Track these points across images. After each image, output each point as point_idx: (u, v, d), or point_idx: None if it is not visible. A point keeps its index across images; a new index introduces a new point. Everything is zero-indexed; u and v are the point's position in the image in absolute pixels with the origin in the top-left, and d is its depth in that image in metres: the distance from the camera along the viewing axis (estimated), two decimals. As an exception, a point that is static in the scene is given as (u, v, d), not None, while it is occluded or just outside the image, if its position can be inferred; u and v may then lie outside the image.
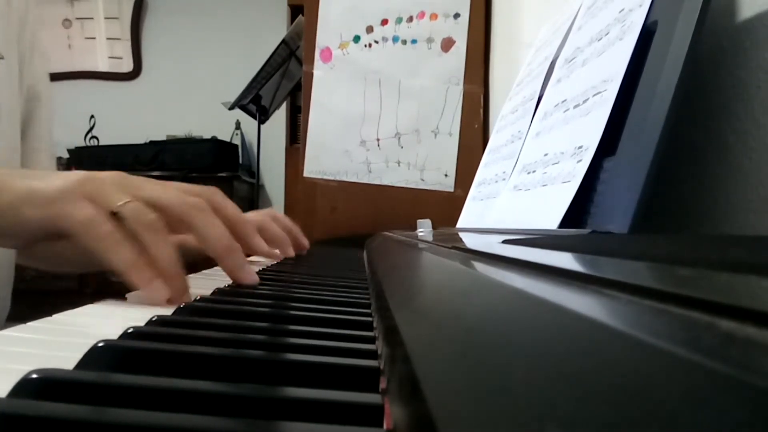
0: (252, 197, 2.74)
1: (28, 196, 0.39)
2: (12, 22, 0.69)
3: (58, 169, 0.81)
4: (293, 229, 0.79)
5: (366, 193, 1.36)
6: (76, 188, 0.38)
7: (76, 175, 0.39)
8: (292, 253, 0.76)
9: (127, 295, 0.38)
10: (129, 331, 0.25)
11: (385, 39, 1.38)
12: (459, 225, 0.91)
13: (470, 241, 0.42)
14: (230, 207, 0.47)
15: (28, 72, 0.72)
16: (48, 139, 0.76)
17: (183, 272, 0.38)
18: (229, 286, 0.45)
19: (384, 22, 1.38)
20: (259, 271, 0.60)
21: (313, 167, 1.38)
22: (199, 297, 0.37)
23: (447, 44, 1.36)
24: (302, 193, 1.39)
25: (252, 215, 0.74)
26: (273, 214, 0.77)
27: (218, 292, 0.41)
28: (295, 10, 1.90)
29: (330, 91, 1.38)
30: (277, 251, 0.75)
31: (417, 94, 1.37)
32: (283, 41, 1.95)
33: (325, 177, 1.38)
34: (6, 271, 0.69)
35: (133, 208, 0.37)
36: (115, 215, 0.37)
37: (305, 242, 0.82)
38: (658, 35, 0.43)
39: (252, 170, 2.77)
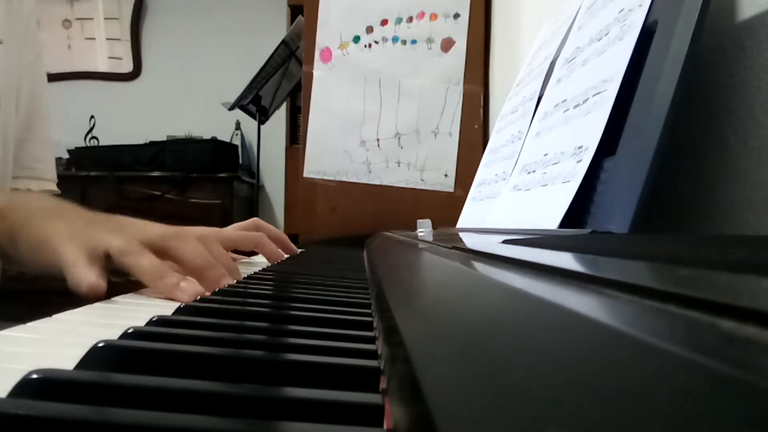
0: (252, 197, 2.74)
1: (42, 243, 0.47)
2: (12, 9, 0.69)
3: (58, 170, 0.81)
4: (281, 237, 0.81)
5: (366, 193, 1.36)
6: (72, 235, 0.46)
7: (76, 223, 0.48)
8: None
9: (140, 291, 0.44)
10: (129, 331, 0.25)
11: (385, 39, 1.38)
12: (459, 225, 0.91)
13: (470, 241, 0.42)
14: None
15: (22, 59, 0.72)
16: (40, 129, 0.76)
17: (173, 274, 0.43)
18: (229, 286, 0.45)
19: (384, 22, 1.38)
20: (260, 271, 0.60)
21: (313, 167, 1.38)
22: (198, 297, 0.37)
23: (447, 44, 1.36)
24: (302, 193, 1.39)
25: (242, 231, 0.75)
26: (258, 224, 0.78)
27: (218, 292, 0.41)
28: (295, 10, 1.90)
29: (330, 91, 1.38)
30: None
31: (417, 94, 1.37)
32: (283, 41, 1.95)
33: (325, 177, 1.38)
34: None
35: (120, 244, 0.44)
36: (108, 255, 0.44)
37: (294, 248, 0.85)
38: (658, 35, 0.43)
39: (252, 170, 2.77)
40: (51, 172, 0.79)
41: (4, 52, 0.68)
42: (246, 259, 0.80)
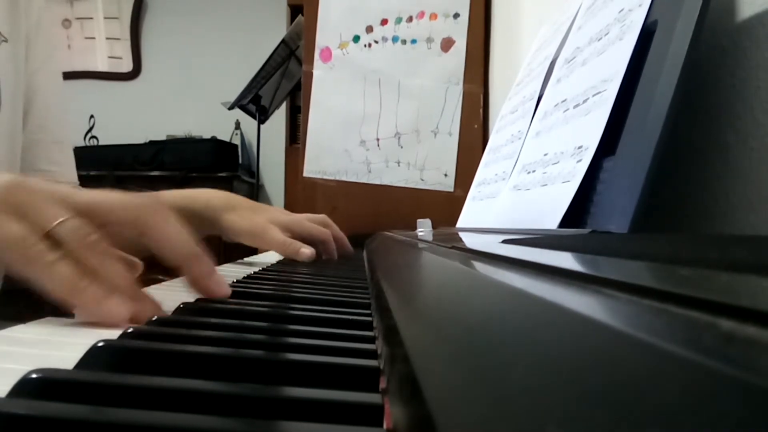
0: (252, 197, 2.74)
1: None
2: (17, 5, 0.68)
3: None
4: (341, 238, 0.85)
5: (366, 193, 1.36)
6: (2, 201, 0.31)
7: (2, 184, 0.32)
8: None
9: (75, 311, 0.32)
10: (129, 330, 0.25)
11: (384, 39, 1.38)
12: (459, 225, 0.91)
13: (470, 241, 0.42)
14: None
15: (33, 57, 0.71)
16: (54, 128, 0.74)
17: (142, 292, 0.34)
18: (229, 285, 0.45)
19: (384, 21, 1.38)
20: (260, 270, 0.60)
21: (313, 167, 1.38)
22: (198, 297, 0.37)
23: (447, 44, 1.36)
24: (302, 193, 1.39)
25: (308, 222, 0.79)
26: (326, 222, 0.82)
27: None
28: (295, 10, 1.90)
29: (330, 91, 1.38)
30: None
31: (417, 94, 1.36)
32: (283, 41, 1.96)
33: (325, 177, 1.37)
34: None
35: (71, 226, 0.31)
36: (49, 236, 0.30)
37: (350, 248, 0.88)
38: (658, 35, 0.43)
39: (252, 170, 2.77)
40: (69, 174, 0.75)
41: (10, 50, 0.67)
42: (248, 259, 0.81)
